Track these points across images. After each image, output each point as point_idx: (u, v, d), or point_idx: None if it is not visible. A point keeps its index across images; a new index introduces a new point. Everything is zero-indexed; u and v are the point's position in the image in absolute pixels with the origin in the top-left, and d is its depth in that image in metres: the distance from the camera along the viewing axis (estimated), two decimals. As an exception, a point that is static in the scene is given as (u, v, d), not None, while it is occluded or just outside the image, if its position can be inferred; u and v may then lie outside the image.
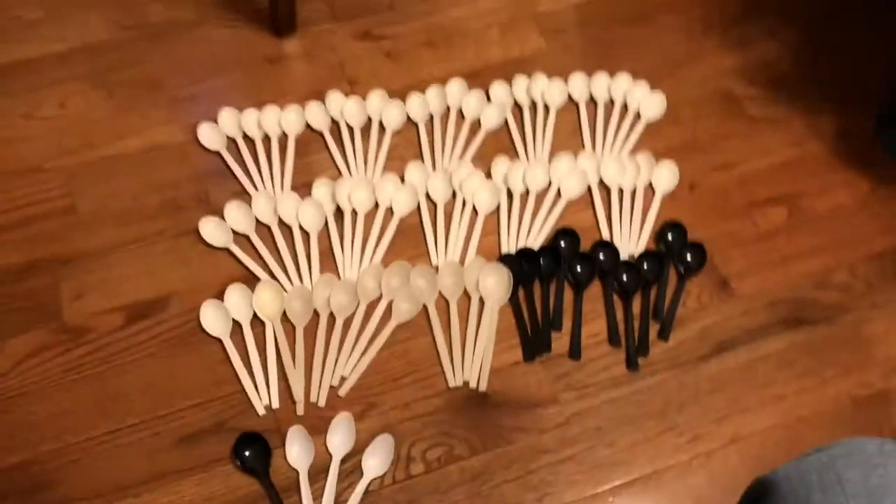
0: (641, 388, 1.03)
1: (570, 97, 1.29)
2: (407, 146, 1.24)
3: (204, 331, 1.05)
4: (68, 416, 0.99)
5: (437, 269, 1.11)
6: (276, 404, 1.00)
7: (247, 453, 0.96)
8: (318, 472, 0.96)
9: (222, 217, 1.14)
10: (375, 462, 0.96)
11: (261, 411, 1.00)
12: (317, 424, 0.99)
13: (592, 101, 1.30)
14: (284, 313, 1.07)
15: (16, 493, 0.94)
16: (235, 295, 1.07)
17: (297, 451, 0.96)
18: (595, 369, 1.04)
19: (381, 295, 1.09)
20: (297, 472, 0.95)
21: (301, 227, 1.14)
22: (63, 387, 1.01)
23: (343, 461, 0.96)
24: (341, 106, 1.26)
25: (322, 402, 1.01)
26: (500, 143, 1.25)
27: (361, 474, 0.95)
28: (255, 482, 0.95)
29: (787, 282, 1.11)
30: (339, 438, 0.97)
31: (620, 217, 1.17)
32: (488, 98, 1.28)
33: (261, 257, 1.12)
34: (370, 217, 1.16)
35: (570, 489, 0.95)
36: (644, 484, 0.96)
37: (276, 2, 1.32)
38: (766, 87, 1.31)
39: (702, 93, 1.31)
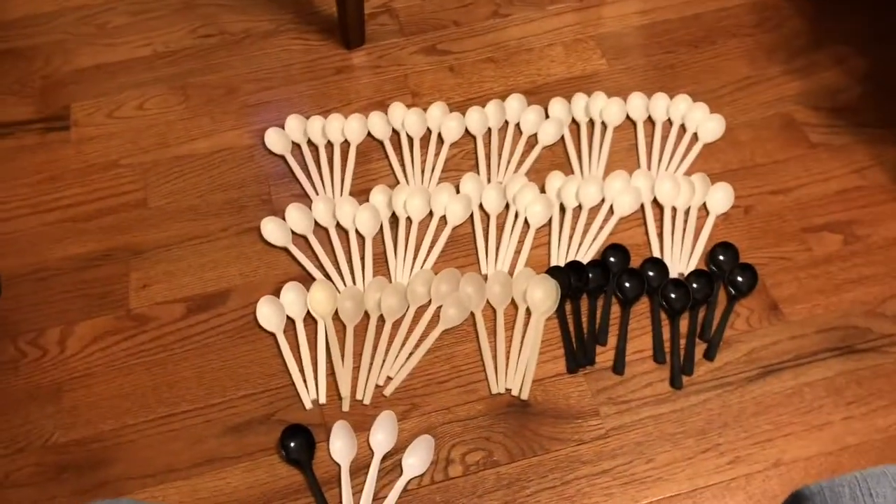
0: (684, 407, 1.02)
1: (627, 116, 1.31)
2: (464, 158, 1.27)
3: (259, 325, 1.09)
4: (127, 398, 1.04)
5: (486, 277, 1.13)
6: (323, 399, 1.04)
7: (292, 445, 0.99)
8: (360, 468, 0.98)
9: (283, 218, 1.19)
10: (415, 461, 0.98)
11: (308, 405, 1.03)
12: (361, 421, 1.01)
13: (650, 121, 1.30)
14: (336, 312, 1.10)
15: (74, 467, 0.99)
16: (291, 292, 1.11)
17: (340, 446, 0.99)
18: (638, 385, 1.04)
19: (430, 300, 1.11)
20: (339, 466, 0.98)
21: (357, 231, 1.18)
22: (125, 371, 1.07)
23: (384, 458, 0.98)
24: (402, 116, 1.30)
25: (367, 400, 1.03)
26: (555, 159, 1.27)
27: (401, 472, 0.97)
28: (298, 473, 0.98)
29: (840, 309, 1.09)
30: (382, 436, 1.00)
31: (672, 236, 1.16)
32: (547, 114, 1.31)
33: (317, 258, 1.16)
34: (424, 224, 1.19)
35: (606, 502, 0.96)
36: (681, 502, 0.95)
37: (346, 16, 1.37)
38: (830, 115, 1.30)
39: (762, 117, 1.30)
